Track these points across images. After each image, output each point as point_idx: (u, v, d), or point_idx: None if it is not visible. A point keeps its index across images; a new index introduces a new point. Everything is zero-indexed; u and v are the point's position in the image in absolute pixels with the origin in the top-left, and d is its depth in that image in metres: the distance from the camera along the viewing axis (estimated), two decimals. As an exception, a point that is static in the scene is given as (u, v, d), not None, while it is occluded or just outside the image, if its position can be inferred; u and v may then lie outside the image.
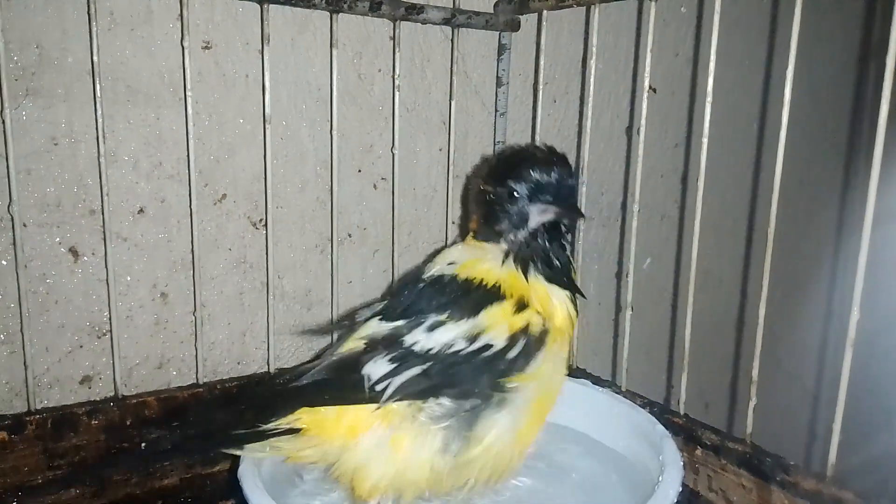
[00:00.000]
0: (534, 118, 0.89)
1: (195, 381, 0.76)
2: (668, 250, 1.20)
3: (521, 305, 0.59)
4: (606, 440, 0.72)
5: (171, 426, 0.59)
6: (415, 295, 0.61)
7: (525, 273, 0.61)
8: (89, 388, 0.73)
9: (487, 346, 0.57)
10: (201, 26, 0.73)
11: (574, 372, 0.84)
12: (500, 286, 0.60)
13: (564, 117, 1.02)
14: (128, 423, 0.72)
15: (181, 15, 0.69)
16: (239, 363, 0.81)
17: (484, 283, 0.60)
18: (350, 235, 0.86)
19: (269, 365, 0.80)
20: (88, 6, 0.65)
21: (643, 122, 0.75)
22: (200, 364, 0.76)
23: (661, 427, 0.66)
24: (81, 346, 0.72)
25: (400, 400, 0.55)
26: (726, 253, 1.30)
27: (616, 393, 0.76)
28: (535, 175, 0.61)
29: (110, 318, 0.71)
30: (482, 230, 0.65)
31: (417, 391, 0.55)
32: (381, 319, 0.60)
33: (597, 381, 0.79)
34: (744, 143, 1.27)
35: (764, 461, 0.64)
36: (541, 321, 0.59)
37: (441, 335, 0.57)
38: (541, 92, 0.86)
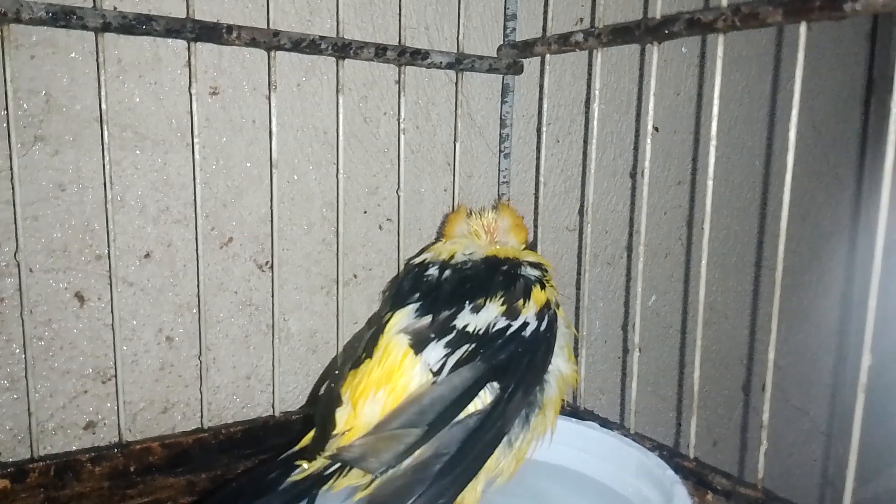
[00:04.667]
0: (538, 158, 0.89)
1: (200, 426, 0.76)
2: (674, 287, 1.19)
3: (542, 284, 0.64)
4: (616, 485, 0.71)
5: (176, 473, 0.58)
6: (447, 283, 0.62)
7: None
8: (93, 433, 0.73)
9: (525, 325, 0.59)
10: (209, 73, 0.74)
11: (581, 413, 0.83)
12: (537, 263, 0.67)
13: (568, 157, 1.02)
14: (132, 469, 0.71)
15: (189, 62, 0.70)
16: (244, 407, 0.80)
17: (511, 260, 0.65)
18: (356, 276, 0.86)
19: (273, 409, 0.79)
20: (97, 54, 0.65)
21: (647, 162, 0.76)
22: (205, 408, 0.75)
23: (671, 472, 0.65)
24: (86, 392, 0.72)
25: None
26: (732, 288, 1.29)
27: (625, 436, 0.75)
28: None
29: (115, 363, 0.71)
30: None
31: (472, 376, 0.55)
32: (417, 311, 0.61)
33: (605, 423, 0.79)
34: (747, 178, 1.27)
35: (776, 507, 0.63)
36: (554, 296, 0.65)
37: (486, 315, 0.59)
38: (544, 133, 0.86)
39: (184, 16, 0.68)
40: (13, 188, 0.64)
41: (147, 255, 0.73)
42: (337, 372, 0.62)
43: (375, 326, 0.62)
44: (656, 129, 1.11)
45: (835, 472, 1.45)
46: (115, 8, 0.66)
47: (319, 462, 0.53)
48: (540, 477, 0.71)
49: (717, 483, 0.68)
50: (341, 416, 0.55)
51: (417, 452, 0.51)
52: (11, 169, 0.63)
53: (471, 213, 0.75)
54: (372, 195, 0.86)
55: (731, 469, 1.27)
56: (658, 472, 0.66)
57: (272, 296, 0.77)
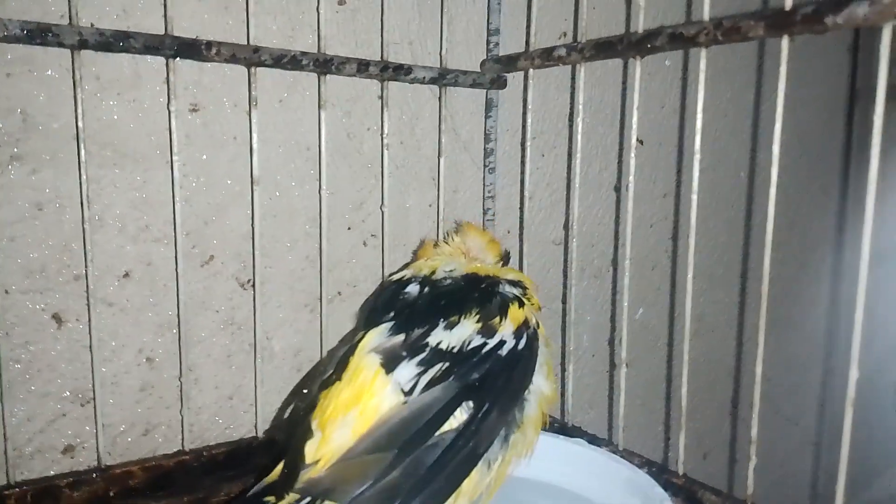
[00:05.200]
0: (522, 172, 0.89)
1: (181, 448, 0.74)
2: (661, 299, 1.19)
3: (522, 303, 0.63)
4: (605, 503, 0.70)
5: (157, 496, 0.56)
6: (423, 299, 0.61)
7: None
8: (72, 457, 0.71)
9: (502, 343, 0.58)
10: (189, 89, 0.73)
11: (569, 430, 0.82)
12: (516, 281, 0.65)
13: (553, 171, 1.02)
14: (111, 494, 0.69)
15: (168, 79, 0.69)
16: (227, 428, 0.79)
17: (491, 278, 0.64)
18: (340, 293, 0.85)
19: (256, 429, 0.78)
20: (73, 72, 0.65)
21: (631, 175, 0.75)
22: (187, 430, 0.74)
23: (660, 490, 0.64)
24: (65, 415, 0.70)
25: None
26: (720, 300, 1.29)
27: (613, 453, 0.74)
28: None
29: (94, 385, 0.69)
30: None
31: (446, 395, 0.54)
32: (390, 330, 0.59)
33: (593, 439, 0.78)
34: (733, 189, 1.28)
35: (767, 523, 0.62)
36: (533, 314, 0.63)
37: (460, 332, 0.58)
38: (528, 147, 0.86)
39: (162, 32, 0.67)
40: (-11, 208, 0.63)
41: (126, 275, 0.72)
42: (305, 391, 0.61)
43: (348, 346, 0.60)
44: (641, 141, 1.11)
45: (825, 484, 1.45)
46: (92, 25, 0.66)
47: (289, 499, 0.52)
48: (528, 495, 0.70)
49: (706, 499, 0.68)
50: (310, 445, 0.53)
51: (388, 478, 0.50)
52: (-13, 189, 0.62)
53: (437, 244, 0.75)
54: (356, 211, 0.85)
55: (722, 482, 1.27)
56: (647, 489, 0.65)
57: (254, 314, 0.76)
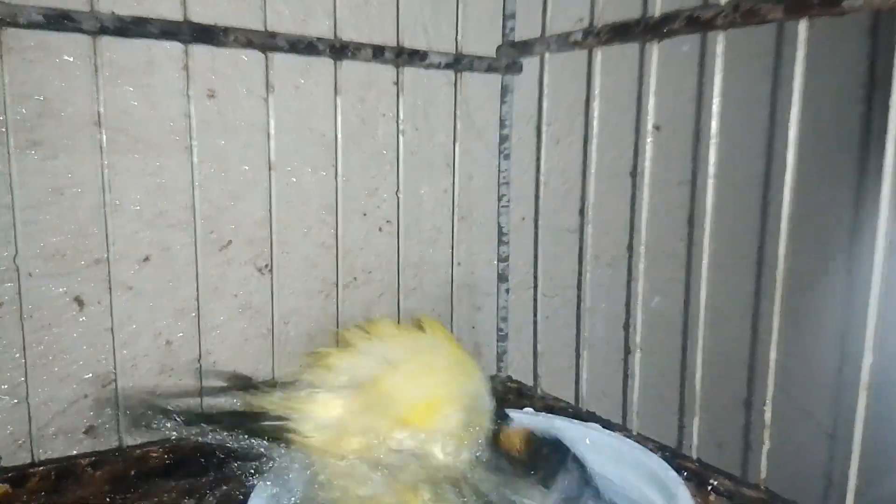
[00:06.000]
0: (538, 159, 0.89)
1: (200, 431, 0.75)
2: (676, 288, 1.19)
3: None
4: (619, 487, 0.70)
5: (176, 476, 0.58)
6: None
7: None
8: (94, 438, 0.73)
9: None
10: (206, 75, 0.74)
11: (583, 415, 0.83)
12: None
13: (568, 158, 1.02)
14: (131, 473, 0.71)
15: (185, 64, 0.70)
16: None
17: None
18: (355, 279, 0.86)
19: (274, 412, 0.79)
20: (94, 58, 0.65)
21: (647, 162, 0.75)
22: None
23: (673, 473, 0.64)
24: (86, 396, 0.72)
25: None
26: (735, 289, 1.28)
27: (627, 437, 0.74)
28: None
29: (115, 368, 0.70)
30: None
31: None
32: None
33: (607, 424, 0.78)
34: (751, 177, 1.27)
35: (780, 508, 0.62)
36: None
37: None
38: (544, 133, 0.86)
39: (180, 18, 0.68)
40: (11, 192, 0.64)
41: (145, 259, 0.73)
42: None
43: None
44: (657, 128, 1.10)
45: (840, 474, 1.44)
46: (110, 11, 0.66)
47: None
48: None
49: (719, 484, 0.68)
50: None
51: None
52: (10, 174, 0.63)
53: None
54: (371, 197, 0.86)
55: (736, 472, 1.26)
56: (661, 473, 0.65)
57: (271, 299, 0.77)
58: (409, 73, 0.85)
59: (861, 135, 1.46)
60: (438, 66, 0.84)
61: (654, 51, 0.72)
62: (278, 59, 0.75)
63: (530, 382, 0.93)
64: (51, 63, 0.67)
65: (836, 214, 1.45)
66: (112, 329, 0.70)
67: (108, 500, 0.69)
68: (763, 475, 0.66)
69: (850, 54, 1.42)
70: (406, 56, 0.80)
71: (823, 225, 1.41)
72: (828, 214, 1.43)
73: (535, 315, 0.96)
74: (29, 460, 0.68)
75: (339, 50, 0.76)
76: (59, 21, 0.62)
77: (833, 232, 1.45)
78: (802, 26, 0.59)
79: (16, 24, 0.61)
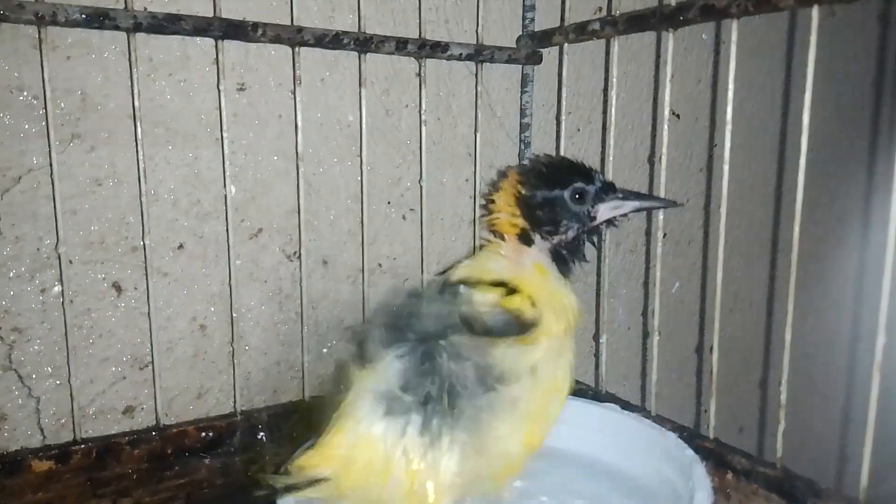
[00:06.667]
0: (557, 148, 0.90)
1: (232, 411, 0.79)
2: (695, 274, 1.20)
3: (512, 291, 0.61)
4: (636, 465, 0.72)
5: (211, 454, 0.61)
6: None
7: (564, 272, 0.67)
8: (132, 418, 0.76)
9: (471, 307, 0.59)
10: (236, 69, 0.77)
11: (602, 397, 0.85)
12: (506, 282, 0.62)
13: (588, 146, 1.03)
14: (168, 451, 0.74)
15: (217, 59, 0.72)
16: (274, 392, 0.83)
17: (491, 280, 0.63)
18: (380, 265, 0.89)
19: (304, 393, 0.82)
20: (129, 54, 0.68)
21: (664, 149, 0.77)
22: (238, 394, 0.78)
23: (690, 452, 0.66)
24: (125, 378, 0.75)
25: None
26: (754, 275, 1.29)
27: (645, 418, 0.76)
28: (595, 177, 0.68)
29: (152, 351, 0.74)
30: (522, 235, 0.68)
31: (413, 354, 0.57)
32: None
33: (625, 405, 0.80)
34: (770, 164, 1.27)
35: (795, 485, 0.64)
36: (533, 312, 0.61)
37: (431, 307, 0.60)
38: (564, 122, 0.88)
39: (211, 15, 0.71)
40: (52, 183, 0.67)
41: (180, 247, 0.76)
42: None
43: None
44: (677, 115, 1.12)
45: (855, 452, 1.45)
46: (145, 9, 0.69)
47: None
48: (558, 458, 0.72)
49: (736, 463, 0.69)
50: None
51: None
52: (51, 165, 0.66)
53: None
54: (395, 186, 0.88)
55: (753, 452, 1.28)
56: (677, 452, 0.67)
57: (300, 285, 0.80)
58: (432, 64, 0.87)
59: (872, 119, 1.46)
60: (460, 58, 0.86)
61: (671, 39, 0.73)
62: (305, 53, 0.77)
63: (551, 366, 0.95)
64: (91, 60, 0.70)
65: (849, 199, 1.45)
66: (149, 313, 0.73)
67: (146, 476, 0.72)
68: (779, 454, 0.67)
69: (861, 40, 1.41)
70: (428, 48, 0.82)
71: (837, 209, 1.41)
72: (841, 199, 1.43)
73: (555, 300, 0.97)
74: (71, 438, 0.71)
75: (364, 43, 0.78)
76: (97, 19, 0.65)
77: (846, 216, 1.45)
78: (814, 12, 0.60)
79: (55, 23, 0.64)
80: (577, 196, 0.67)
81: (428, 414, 0.56)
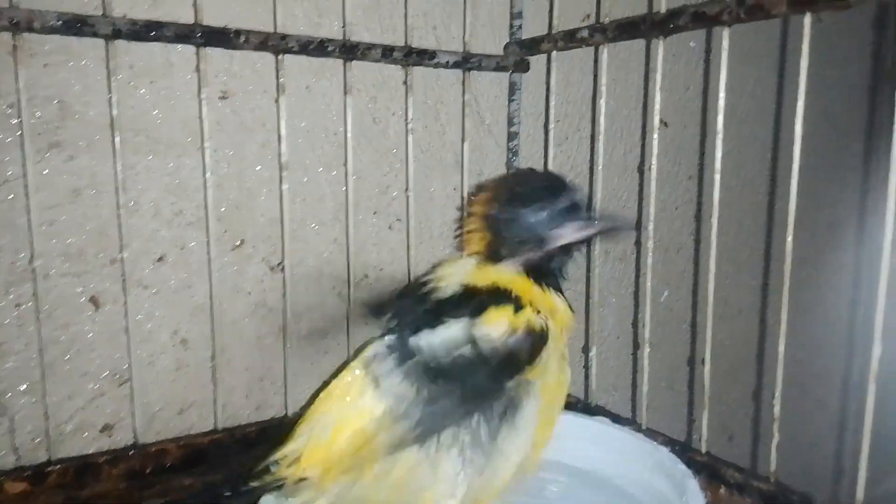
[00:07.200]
0: (546, 156, 0.89)
1: (214, 427, 0.77)
2: (686, 282, 1.19)
3: (520, 307, 0.59)
4: (628, 480, 0.71)
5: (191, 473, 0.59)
6: (423, 313, 0.60)
7: (541, 284, 0.63)
8: (110, 436, 0.74)
9: (487, 340, 0.56)
10: (219, 77, 0.75)
11: (592, 409, 0.83)
12: (508, 290, 0.60)
13: (577, 154, 1.02)
14: (148, 470, 0.72)
15: (198, 67, 0.71)
16: (257, 408, 0.81)
17: (492, 287, 0.60)
18: (367, 276, 0.87)
19: (286, 409, 0.80)
20: (108, 61, 0.66)
21: (654, 157, 0.76)
22: (220, 409, 0.76)
23: (683, 466, 0.65)
24: (103, 394, 0.73)
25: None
26: (745, 283, 1.29)
27: (636, 431, 0.75)
28: (563, 196, 0.63)
29: (130, 366, 0.72)
30: (490, 253, 0.65)
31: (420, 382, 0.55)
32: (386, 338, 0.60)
33: (616, 419, 0.79)
34: (760, 172, 1.27)
35: (789, 499, 0.63)
36: (541, 320, 0.59)
37: (444, 332, 0.57)
38: (552, 130, 0.87)
39: (192, 21, 0.69)
40: (27, 195, 0.65)
41: (161, 259, 0.74)
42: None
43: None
44: (665, 123, 1.11)
45: (851, 465, 1.44)
46: (125, 15, 0.67)
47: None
48: (551, 472, 0.71)
49: (729, 476, 0.68)
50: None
51: None
52: (25, 176, 0.64)
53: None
54: (382, 195, 0.87)
55: (746, 464, 1.27)
56: (670, 466, 0.66)
57: (284, 297, 0.78)
58: (419, 72, 0.85)
59: (866, 127, 1.46)
60: (447, 66, 0.85)
61: (661, 46, 0.72)
62: (290, 60, 0.76)
63: (541, 378, 0.94)
64: (69, 67, 0.68)
65: (842, 207, 1.45)
66: (127, 328, 0.71)
67: (125, 496, 0.70)
68: (773, 467, 0.66)
69: (855, 46, 1.41)
70: (415, 56, 0.81)
71: (830, 217, 1.41)
72: (835, 207, 1.42)
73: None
74: (46, 458, 0.69)
75: (349, 50, 0.77)
76: (75, 26, 0.64)
77: (840, 224, 1.45)
78: (807, 20, 0.59)
79: (31, 30, 0.62)
80: (537, 216, 0.62)
81: (430, 433, 0.55)
